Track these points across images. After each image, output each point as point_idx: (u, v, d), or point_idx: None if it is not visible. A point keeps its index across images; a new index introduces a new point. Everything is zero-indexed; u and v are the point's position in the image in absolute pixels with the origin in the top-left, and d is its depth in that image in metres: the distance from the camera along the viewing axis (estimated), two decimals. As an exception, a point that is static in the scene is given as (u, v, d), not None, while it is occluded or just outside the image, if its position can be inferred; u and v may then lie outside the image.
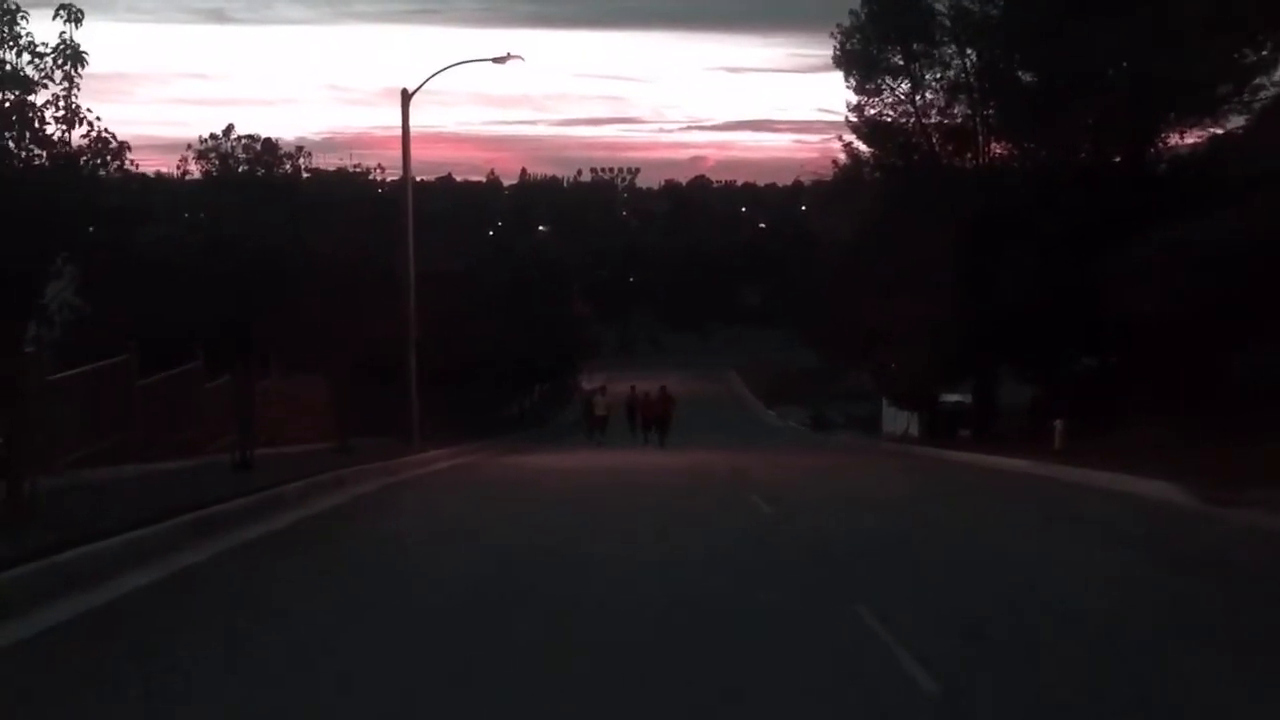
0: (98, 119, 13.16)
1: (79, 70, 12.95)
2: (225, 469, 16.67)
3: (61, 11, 12.95)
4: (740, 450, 32.28)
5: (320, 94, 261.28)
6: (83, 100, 13.00)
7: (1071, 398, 28.71)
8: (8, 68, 12.61)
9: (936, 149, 34.88)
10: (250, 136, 37.30)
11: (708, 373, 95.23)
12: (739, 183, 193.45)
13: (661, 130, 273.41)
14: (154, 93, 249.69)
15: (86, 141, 13.23)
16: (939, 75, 34.22)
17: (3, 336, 12.76)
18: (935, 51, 33.84)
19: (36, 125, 12.80)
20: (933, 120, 34.64)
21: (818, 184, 47.65)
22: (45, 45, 12.84)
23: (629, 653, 6.86)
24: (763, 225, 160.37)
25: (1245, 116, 27.71)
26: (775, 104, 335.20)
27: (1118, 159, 31.23)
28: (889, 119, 34.96)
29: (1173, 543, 12.25)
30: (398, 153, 29.91)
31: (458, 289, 37.70)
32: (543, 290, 56.88)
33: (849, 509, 15.58)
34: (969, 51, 33.39)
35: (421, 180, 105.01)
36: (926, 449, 31.79)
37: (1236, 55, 26.67)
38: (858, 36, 34.47)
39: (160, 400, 19.58)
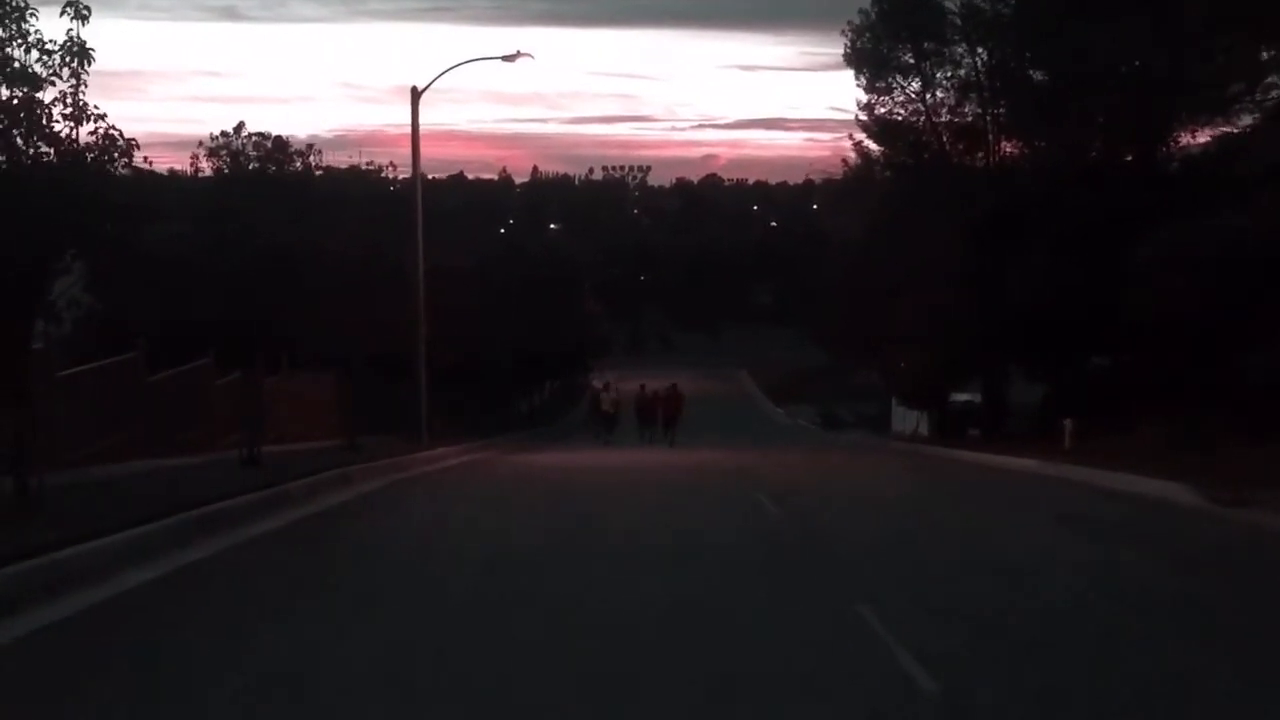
0: (104, 116, 13.21)
1: (86, 67, 13.00)
2: (233, 465, 16.77)
3: (69, 9, 13.01)
4: (748, 449, 32.24)
5: (333, 92, 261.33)
6: (97, 97, 13.06)
7: (1082, 397, 28.60)
8: (16, 65, 12.65)
9: (947, 148, 34.86)
10: (260, 134, 37.49)
11: (718, 371, 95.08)
12: (750, 181, 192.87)
13: (673, 128, 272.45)
14: (168, 90, 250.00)
15: (94, 138, 13.27)
16: (949, 74, 34.29)
17: (10, 334, 12.79)
18: (946, 50, 33.85)
19: (44, 122, 12.85)
20: (943, 119, 34.62)
21: (828, 183, 47.45)
22: (53, 42, 12.90)
23: (632, 650, 6.87)
24: (774, 224, 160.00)
25: (1256, 115, 27.55)
26: (787, 102, 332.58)
27: (1129, 158, 31.13)
28: (899, 117, 34.95)
29: (1179, 543, 12.21)
30: (409, 150, 30.10)
31: (468, 286, 37.69)
32: (553, 288, 56.74)
33: (855, 509, 15.57)
34: (980, 50, 33.38)
35: (433, 178, 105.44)
36: (935, 448, 31.68)
37: (1247, 54, 26.50)
38: (868, 35, 34.48)
39: (169, 397, 19.70)
